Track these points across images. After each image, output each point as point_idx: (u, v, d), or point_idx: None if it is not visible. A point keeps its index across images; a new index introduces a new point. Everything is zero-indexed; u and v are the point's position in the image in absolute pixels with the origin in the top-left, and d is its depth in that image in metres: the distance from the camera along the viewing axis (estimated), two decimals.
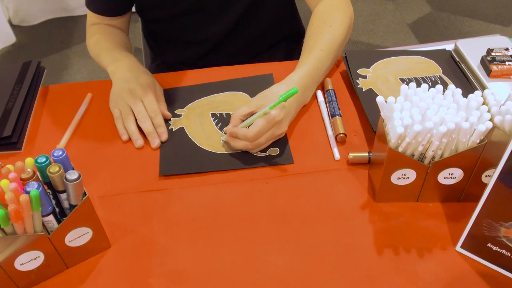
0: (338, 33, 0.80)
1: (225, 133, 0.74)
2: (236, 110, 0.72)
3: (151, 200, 0.67)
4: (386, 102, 0.61)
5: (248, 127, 0.70)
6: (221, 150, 0.73)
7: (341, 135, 0.73)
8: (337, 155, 0.72)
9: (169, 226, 0.64)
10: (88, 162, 0.73)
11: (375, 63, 0.86)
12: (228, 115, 0.79)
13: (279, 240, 0.62)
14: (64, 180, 0.53)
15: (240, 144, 0.70)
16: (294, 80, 0.74)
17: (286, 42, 1.04)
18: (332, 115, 0.77)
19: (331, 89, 0.81)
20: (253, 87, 0.84)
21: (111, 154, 0.74)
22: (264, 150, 0.73)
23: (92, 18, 0.92)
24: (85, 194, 0.55)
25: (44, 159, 0.54)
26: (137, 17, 0.98)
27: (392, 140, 0.59)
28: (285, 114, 0.71)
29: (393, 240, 0.61)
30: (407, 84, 0.79)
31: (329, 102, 0.79)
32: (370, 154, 0.70)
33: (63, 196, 0.56)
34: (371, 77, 0.83)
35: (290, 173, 0.70)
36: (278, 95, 0.71)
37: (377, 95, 0.78)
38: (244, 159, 0.72)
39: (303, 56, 0.79)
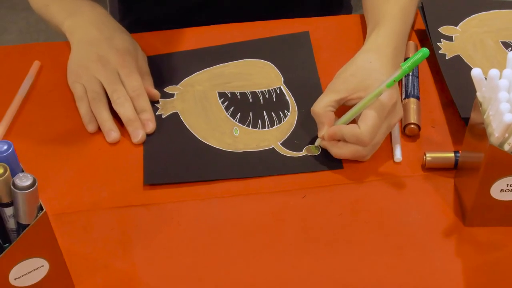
0: None
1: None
2: (316, 103, 0.71)
3: (132, 220, 0.67)
4: (485, 77, 0.61)
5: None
6: (235, 147, 0.74)
7: (412, 126, 0.73)
8: (398, 155, 0.72)
9: (158, 258, 0.64)
10: (37, 163, 0.72)
11: (466, 19, 0.86)
12: (244, 95, 0.79)
13: (321, 279, 0.61)
14: (12, 187, 0.52)
15: (347, 151, 0.70)
16: (381, 42, 0.75)
17: None
18: (405, 95, 0.77)
19: None
20: (281, 52, 0.84)
21: (71, 152, 0.74)
22: (300, 149, 0.73)
23: None
24: (41, 208, 0.54)
25: None
26: None
27: (496, 133, 0.58)
28: (397, 91, 0.71)
29: (494, 283, 0.61)
30: None
31: (405, 76, 0.79)
32: (458, 155, 0.70)
33: (8, 211, 0.55)
34: (459, 38, 0.83)
35: (338, 183, 0.70)
36: (377, 69, 0.71)
37: (469, 66, 0.79)
38: (269, 161, 0.72)
39: (377, 6, 0.79)
